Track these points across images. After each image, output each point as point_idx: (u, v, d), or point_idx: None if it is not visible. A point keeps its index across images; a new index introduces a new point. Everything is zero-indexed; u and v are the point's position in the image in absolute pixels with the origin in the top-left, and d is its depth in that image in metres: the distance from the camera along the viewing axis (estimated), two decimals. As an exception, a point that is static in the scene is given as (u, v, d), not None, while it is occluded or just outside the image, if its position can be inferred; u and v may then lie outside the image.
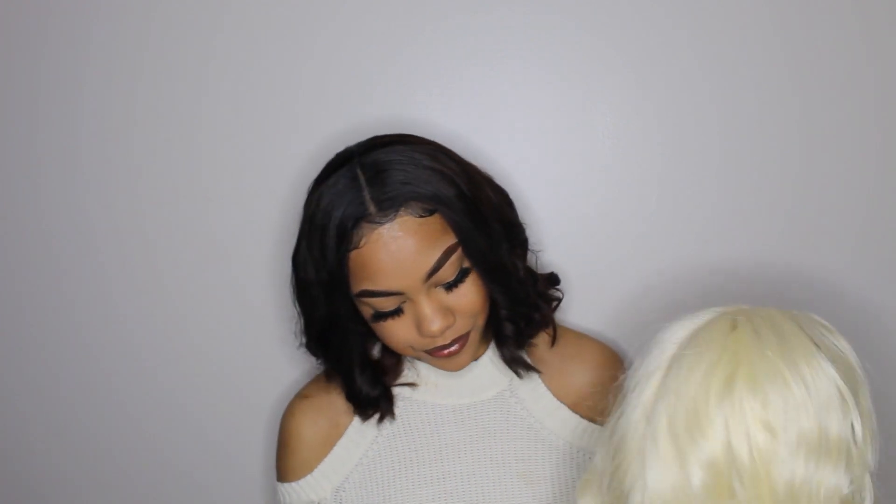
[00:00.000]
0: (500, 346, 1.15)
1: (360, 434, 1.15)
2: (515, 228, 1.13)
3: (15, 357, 1.41)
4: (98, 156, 1.35)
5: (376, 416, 1.14)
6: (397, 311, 1.04)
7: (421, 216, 1.01)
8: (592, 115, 1.31)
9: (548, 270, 1.23)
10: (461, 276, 1.04)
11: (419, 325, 1.04)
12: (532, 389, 1.16)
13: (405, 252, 1.00)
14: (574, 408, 1.16)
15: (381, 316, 1.05)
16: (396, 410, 1.15)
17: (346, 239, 1.01)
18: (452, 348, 1.06)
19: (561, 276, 1.22)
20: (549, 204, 1.31)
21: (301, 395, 1.19)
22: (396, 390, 1.16)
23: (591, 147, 1.31)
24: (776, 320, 0.78)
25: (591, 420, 1.15)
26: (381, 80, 1.31)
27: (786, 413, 0.73)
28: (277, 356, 1.35)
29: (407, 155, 1.04)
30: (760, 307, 0.81)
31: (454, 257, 1.03)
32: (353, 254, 1.01)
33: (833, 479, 0.73)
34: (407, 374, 1.16)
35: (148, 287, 1.37)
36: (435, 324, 1.03)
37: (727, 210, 1.32)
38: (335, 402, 1.16)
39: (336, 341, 1.11)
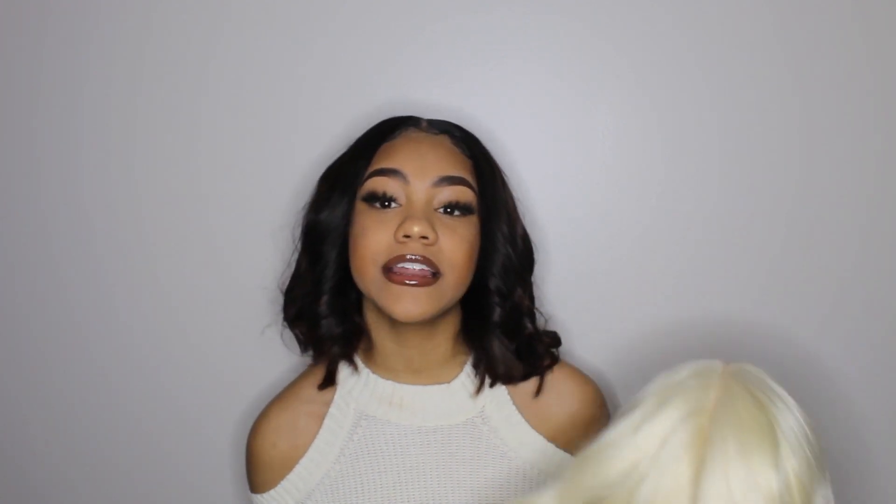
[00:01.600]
0: (485, 339, 1.11)
1: (322, 454, 1.13)
2: (528, 246, 1.16)
3: (15, 357, 1.41)
4: (98, 156, 1.35)
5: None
6: (389, 203, 1.05)
7: (459, 150, 1.10)
8: (592, 115, 1.31)
9: (548, 278, 1.22)
10: (462, 211, 1.07)
11: (402, 223, 1.03)
12: (506, 418, 1.12)
13: (431, 153, 1.07)
14: (551, 439, 1.13)
15: (372, 200, 1.05)
16: (360, 430, 1.12)
17: (387, 132, 1.10)
18: (414, 270, 1.02)
19: (561, 277, 1.22)
20: (548, 204, 1.31)
21: (262, 416, 1.17)
22: (361, 407, 1.13)
23: (591, 147, 1.31)
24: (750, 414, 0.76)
25: (569, 451, 1.13)
26: (381, 80, 1.31)
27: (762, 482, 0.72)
28: (275, 355, 1.35)
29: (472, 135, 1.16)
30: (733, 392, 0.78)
31: (465, 190, 1.07)
32: (386, 144, 1.09)
33: None
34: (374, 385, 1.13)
35: (147, 287, 1.37)
36: (418, 224, 1.02)
37: (727, 210, 1.32)
38: (296, 420, 1.14)
39: (318, 252, 1.10)
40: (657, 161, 1.31)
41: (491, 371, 1.11)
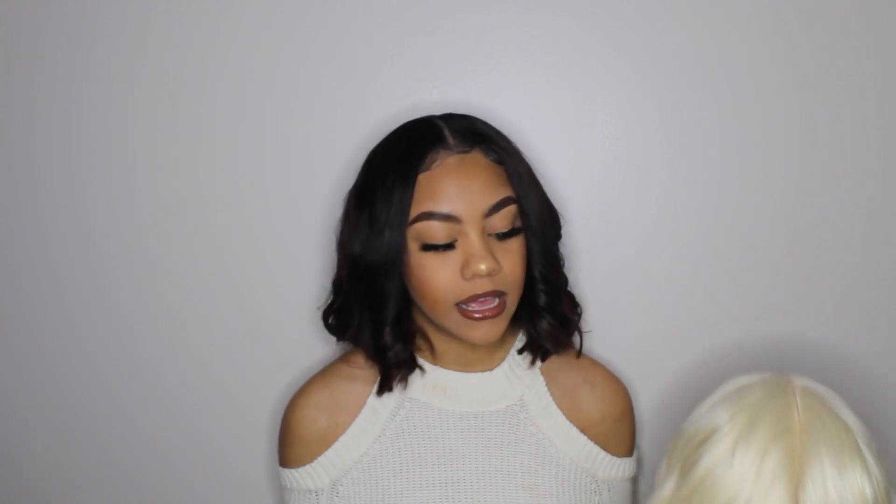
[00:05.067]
0: (535, 321, 1.15)
1: (363, 432, 1.15)
2: (556, 217, 1.18)
3: (15, 357, 1.41)
4: (98, 156, 1.35)
5: (390, 396, 1.15)
6: (448, 246, 1.06)
7: (490, 160, 1.08)
8: (592, 115, 1.31)
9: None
10: (513, 232, 1.08)
11: (467, 262, 1.05)
12: (544, 408, 1.17)
13: (473, 183, 1.06)
14: (583, 431, 1.18)
15: (431, 248, 1.06)
16: (402, 412, 1.15)
17: (420, 160, 1.07)
18: (489, 306, 1.06)
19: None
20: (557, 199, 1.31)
21: (302, 392, 1.19)
22: (394, 401, 1.15)
23: (591, 147, 1.31)
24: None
25: (600, 445, 1.18)
26: (380, 81, 1.31)
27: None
28: (277, 354, 1.35)
29: (484, 121, 1.14)
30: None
31: (511, 209, 1.08)
32: (423, 175, 1.06)
33: None
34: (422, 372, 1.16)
35: (147, 286, 1.37)
36: (484, 262, 1.04)
37: (727, 210, 1.32)
38: (337, 398, 1.16)
39: (375, 287, 1.10)
40: (657, 161, 1.31)
41: (544, 348, 1.17)
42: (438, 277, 1.06)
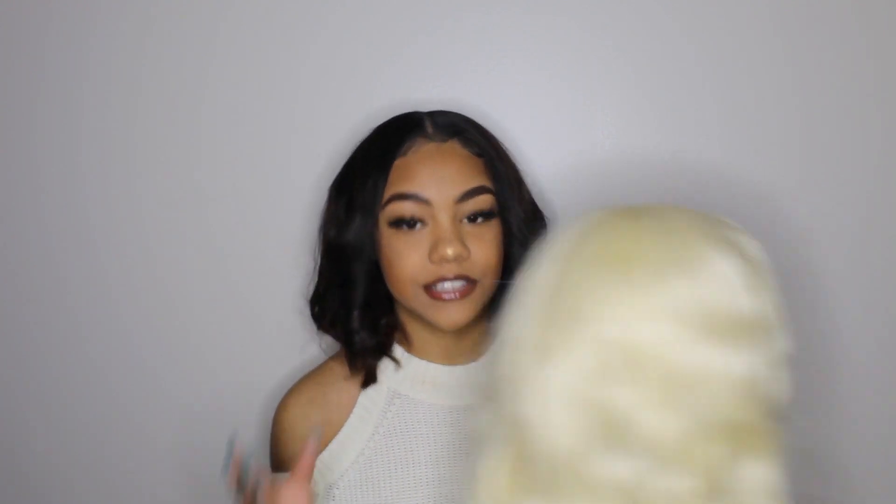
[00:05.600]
0: None
1: (357, 431, 1.14)
2: (541, 217, 1.17)
3: (15, 357, 1.41)
4: (98, 155, 1.35)
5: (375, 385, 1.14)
6: (414, 224, 1.06)
7: (469, 152, 1.10)
8: (593, 115, 1.31)
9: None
10: (487, 216, 1.08)
11: (435, 245, 1.05)
12: None
13: (447, 169, 1.08)
14: None
15: (398, 225, 1.07)
16: (393, 409, 1.14)
17: (397, 146, 1.09)
18: (455, 286, 1.06)
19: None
20: (548, 204, 1.31)
21: (294, 390, 1.17)
22: (394, 385, 1.15)
23: (591, 147, 1.32)
24: (678, 212, 0.77)
25: None
26: (380, 81, 1.31)
27: (690, 298, 0.70)
28: (271, 352, 1.35)
29: (470, 118, 1.15)
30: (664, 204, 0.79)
31: (486, 198, 1.08)
32: (399, 161, 1.08)
33: (739, 362, 0.69)
34: (404, 363, 1.15)
35: (147, 286, 1.38)
36: (451, 246, 1.04)
37: (727, 209, 1.32)
38: (329, 396, 1.15)
39: (346, 269, 1.11)
40: (657, 161, 1.31)
41: None
42: (406, 259, 1.06)
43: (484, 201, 1.08)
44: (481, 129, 1.15)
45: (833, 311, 1.34)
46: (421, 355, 1.15)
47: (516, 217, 1.11)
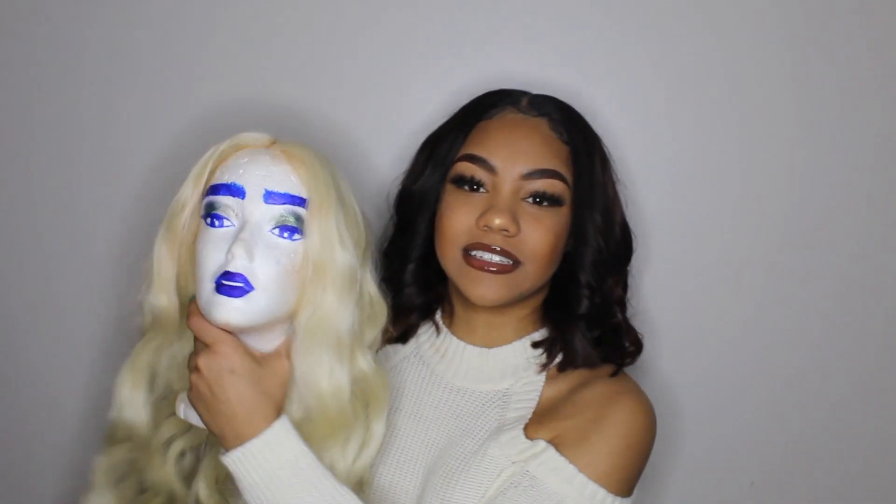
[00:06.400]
0: (565, 326, 1.08)
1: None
2: (627, 235, 1.13)
3: (15, 357, 1.41)
4: (98, 155, 1.36)
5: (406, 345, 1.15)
6: (478, 185, 1.05)
7: (556, 135, 1.08)
8: (594, 115, 1.31)
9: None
10: (553, 201, 1.06)
11: (486, 212, 1.04)
12: (521, 408, 1.08)
13: (523, 142, 1.06)
14: (549, 439, 1.04)
15: (462, 182, 1.06)
16: (406, 364, 1.14)
17: (486, 111, 1.09)
18: (492, 259, 1.04)
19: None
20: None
21: None
22: (410, 349, 1.15)
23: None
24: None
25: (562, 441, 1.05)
26: (380, 81, 1.31)
27: None
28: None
29: (576, 110, 1.13)
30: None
31: (557, 184, 1.06)
32: (482, 124, 1.09)
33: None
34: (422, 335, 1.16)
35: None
36: (500, 216, 1.03)
37: (727, 209, 1.32)
38: None
39: (409, 219, 1.12)
40: (659, 161, 1.31)
41: (569, 361, 1.09)
42: (455, 217, 1.06)
43: (553, 186, 1.06)
44: (584, 124, 1.12)
45: (833, 311, 1.34)
46: (455, 330, 1.14)
47: (592, 222, 1.08)
